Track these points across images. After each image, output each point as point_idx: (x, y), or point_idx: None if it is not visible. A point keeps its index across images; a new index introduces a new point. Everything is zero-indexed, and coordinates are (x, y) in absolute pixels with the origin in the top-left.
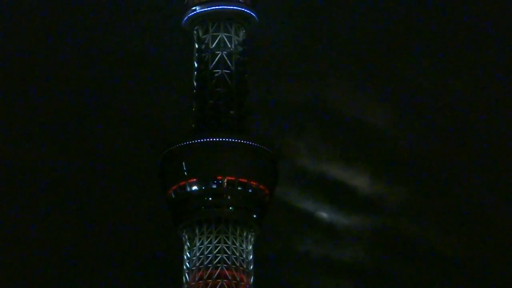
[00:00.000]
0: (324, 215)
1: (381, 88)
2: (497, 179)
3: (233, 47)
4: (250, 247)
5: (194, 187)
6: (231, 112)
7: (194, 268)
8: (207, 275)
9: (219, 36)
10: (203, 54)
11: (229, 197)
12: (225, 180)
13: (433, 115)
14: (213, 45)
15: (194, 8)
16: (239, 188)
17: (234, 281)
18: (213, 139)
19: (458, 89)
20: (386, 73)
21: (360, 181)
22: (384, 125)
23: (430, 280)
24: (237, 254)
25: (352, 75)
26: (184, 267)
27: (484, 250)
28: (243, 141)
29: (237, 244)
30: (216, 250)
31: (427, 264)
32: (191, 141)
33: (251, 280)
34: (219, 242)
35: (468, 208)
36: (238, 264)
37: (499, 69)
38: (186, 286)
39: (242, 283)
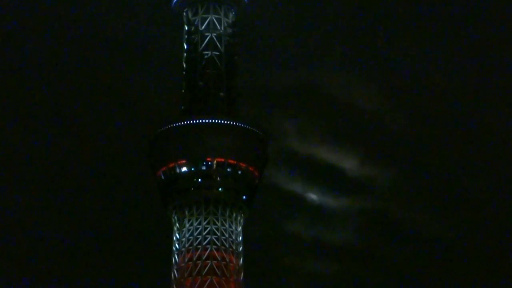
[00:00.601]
0: (313, 197)
1: (370, 71)
2: (486, 162)
3: (222, 29)
4: (240, 228)
5: (184, 169)
6: (221, 94)
7: (183, 249)
8: (196, 257)
9: (209, 18)
10: (192, 36)
11: (218, 179)
12: (215, 161)
13: (422, 98)
14: (203, 27)
15: None
16: (228, 170)
17: (223, 262)
18: (202, 121)
19: (447, 72)
20: (375, 56)
21: (349, 163)
22: (373, 107)
23: (419, 261)
24: (227, 236)
25: (341, 57)
26: (174, 248)
27: (472, 231)
28: (233, 122)
29: (227, 226)
30: (206, 231)
31: (416, 245)
32: (181, 123)
33: (241, 262)
34: (208, 224)
35: (457, 190)
36: (227, 246)
37: (490, 53)
38: (175, 267)
39: (232, 264)
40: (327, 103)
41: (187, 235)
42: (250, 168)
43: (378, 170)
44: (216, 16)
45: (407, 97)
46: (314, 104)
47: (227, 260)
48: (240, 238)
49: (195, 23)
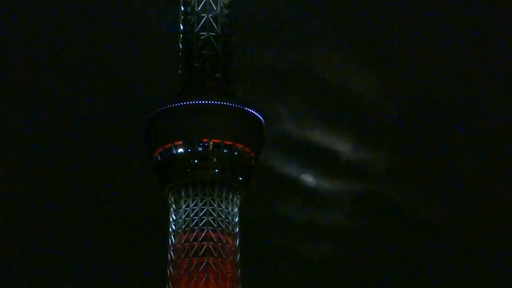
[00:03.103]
0: (309, 179)
1: (364, 54)
2: (478, 145)
3: (219, 9)
4: (236, 209)
5: (180, 150)
6: (217, 75)
7: (180, 230)
8: (193, 238)
9: None
10: (189, 17)
11: (214, 160)
12: (211, 142)
13: (415, 81)
14: (199, 8)
15: None
16: (224, 151)
17: (219, 244)
18: (199, 102)
19: (440, 56)
20: (369, 40)
21: (343, 146)
22: (367, 91)
23: (412, 243)
24: (223, 217)
25: (336, 41)
26: (170, 229)
27: (464, 214)
28: (229, 103)
29: (223, 207)
30: (202, 212)
31: (409, 228)
32: (177, 104)
33: (237, 243)
34: (204, 205)
35: (449, 173)
36: (224, 227)
37: (482, 35)
38: (172, 249)
39: (228, 246)
40: (322, 86)
41: (183, 216)
42: (246, 149)
43: (372, 153)
44: None
45: (400, 80)
46: (308, 87)
47: (224, 241)
48: (237, 219)
49: (191, 3)
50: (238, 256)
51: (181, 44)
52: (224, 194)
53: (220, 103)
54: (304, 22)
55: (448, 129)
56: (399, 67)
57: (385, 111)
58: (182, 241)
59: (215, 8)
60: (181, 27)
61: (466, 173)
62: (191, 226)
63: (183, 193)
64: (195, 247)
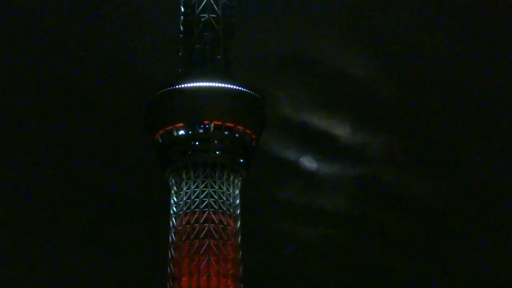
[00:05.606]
0: (309, 161)
1: (362, 38)
2: (479, 128)
3: None
4: (237, 191)
5: (181, 132)
6: (218, 57)
7: (181, 212)
8: (194, 220)
9: None
10: None
11: (216, 142)
12: (212, 124)
13: (414, 65)
14: None
15: None
16: (225, 133)
17: (221, 226)
18: (200, 84)
19: (438, 40)
20: (368, 24)
21: (342, 130)
22: (365, 74)
23: (411, 227)
24: (224, 199)
25: (335, 25)
26: (171, 211)
27: (464, 198)
28: (230, 86)
29: (224, 189)
30: (203, 194)
31: (407, 211)
32: (178, 86)
33: (238, 224)
34: (206, 187)
35: (448, 157)
36: (225, 209)
37: (480, 18)
38: (173, 231)
39: (229, 227)
40: (320, 70)
41: (184, 198)
42: (247, 131)
43: (371, 136)
44: None
45: (399, 64)
46: (306, 71)
47: (225, 223)
48: (238, 201)
49: None
50: (239, 238)
51: (182, 26)
52: (225, 176)
53: (221, 85)
54: (304, 6)
55: (447, 112)
56: (398, 50)
57: (383, 95)
58: (183, 223)
59: None
60: (182, 9)
61: (465, 156)
62: (192, 208)
63: (184, 175)
64: (196, 229)
